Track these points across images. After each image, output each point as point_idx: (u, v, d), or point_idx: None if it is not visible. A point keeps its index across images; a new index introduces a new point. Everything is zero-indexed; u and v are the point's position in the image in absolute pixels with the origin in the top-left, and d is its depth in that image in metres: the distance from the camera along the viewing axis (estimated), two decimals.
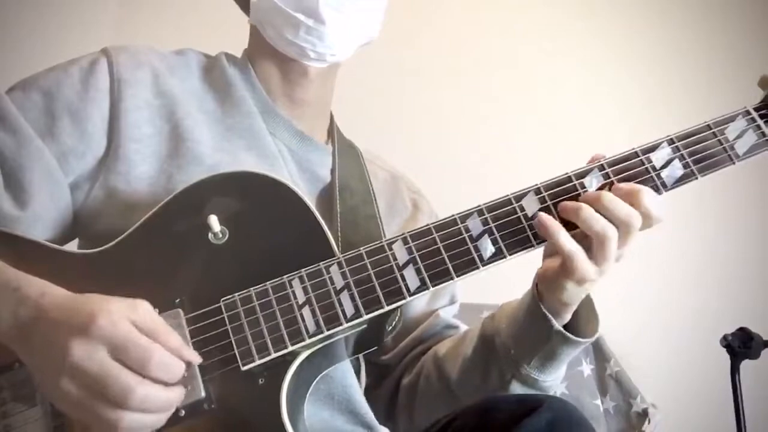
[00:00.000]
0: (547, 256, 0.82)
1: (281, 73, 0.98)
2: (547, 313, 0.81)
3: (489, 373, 0.88)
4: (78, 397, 0.62)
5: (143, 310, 0.66)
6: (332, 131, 1.06)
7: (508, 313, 0.88)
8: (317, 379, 0.79)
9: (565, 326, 0.83)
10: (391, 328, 0.81)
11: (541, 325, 0.82)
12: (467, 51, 2.09)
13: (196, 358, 0.69)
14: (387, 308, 0.74)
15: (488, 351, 0.89)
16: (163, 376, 0.64)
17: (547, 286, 0.81)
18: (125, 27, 2.19)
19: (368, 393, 0.98)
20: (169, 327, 0.68)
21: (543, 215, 0.75)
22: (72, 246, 0.89)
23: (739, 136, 0.78)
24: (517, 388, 0.87)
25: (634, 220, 0.74)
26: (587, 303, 0.84)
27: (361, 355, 0.95)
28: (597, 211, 0.74)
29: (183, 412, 0.69)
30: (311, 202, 0.80)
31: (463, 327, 1.05)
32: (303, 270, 0.75)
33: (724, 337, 1.40)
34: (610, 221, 0.74)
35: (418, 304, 1.02)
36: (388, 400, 1.03)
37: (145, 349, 0.63)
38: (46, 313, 0.65)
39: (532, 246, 0.76)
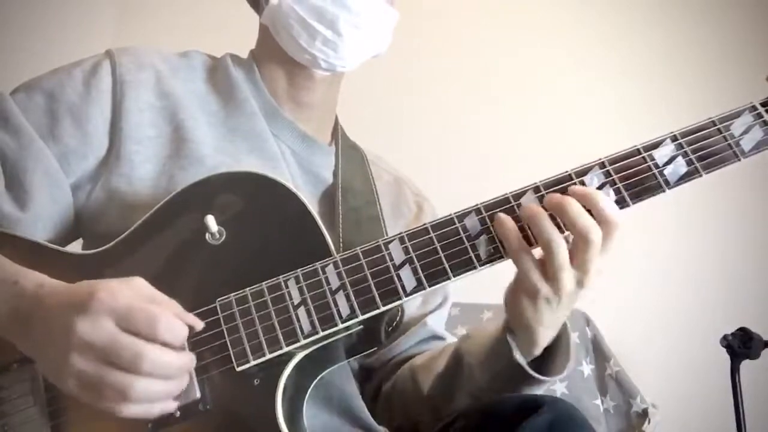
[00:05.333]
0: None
1: (287, 76, 0.98)
2: (512, 342, 0.78)
3: (455, 392, 0.87)
4: (88, 370, 0.62)
5: (139, 283, 0.67)
6: (336, 133, 1.06)
7: (481, 336, 0.86)
8: (316, 380, 0.78)
9: (541, 362, 0.80)
10: (391, 328, 0.81)
11: (504, 355, 0.79)
12: (468, 52, 2.09)
13: (199, 323, 0.70)
14: (383, 308, 0.73)
15: (456, 371, 0.87)
16: (170, 338, 0.64)
17: (508, 309, 0.79)
18: (125, 28, 2.19)
19: None
20: (166, 296, 0.68)
21: (502, 215, 0.73)
22: (76, 246, 0.89)
23: (745, 132, 0.76)
24: None
25: (592, 233, 0.70)
26: (564, 343, 0.82)
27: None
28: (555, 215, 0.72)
29: (178, 412, 0.68)
30: (313, 204, 0.80)
31: (450, 339, 1.04)
32: (299, 270, 0.74)
33: (724, 337, 1.40)
34: (568, 230, 0.72)
35: (410, 306, 1.01)
36: (369, 403, 1.01)
37: (151, 312, 0.64)
38: (43, 301, 0.66)
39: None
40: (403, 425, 0.95)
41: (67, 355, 0.62)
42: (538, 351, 0.79)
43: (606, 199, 0.72)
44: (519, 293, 0.75)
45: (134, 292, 0.65)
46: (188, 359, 0.67)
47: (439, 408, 0.89)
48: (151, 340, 0.63)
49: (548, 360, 0.81)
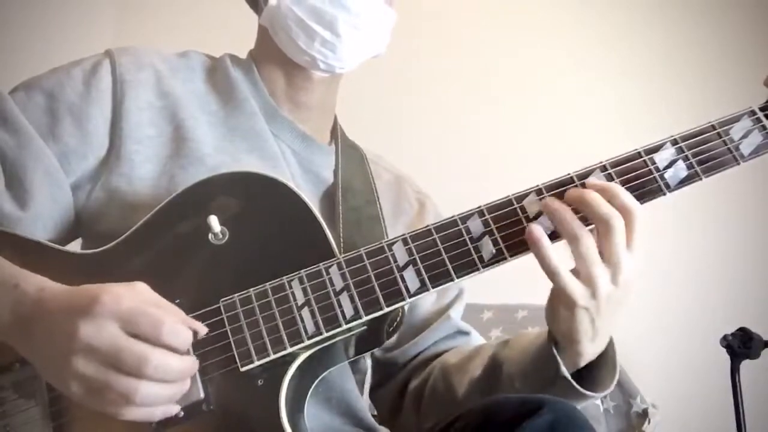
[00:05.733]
0: None
1: (286, 77, 0.98)
2: (557, 356, 0.77)
3: None
4: (91, 374, 0.62)
5: (142, 287, 0.67)
6: (336, 133, 1.06)
7: (522, 344, 0.86)
8: (318, 380, 0.78)
9: (581, 375, 0.80)
10: (392, 329, 0.81)
11: (549, 366, 0.78)
12: (468, 52, 2.10)
13: (202, 328, 0.70)
14: (386, 309, 0.73)
15: (494, 377, 0.87)
16: (175, 342, 0.64)
17: (550, 324, 0.79)
18: (125, 28, 2.19)
19: (373, 392, 0.97)
20: (168, 302, 0.68)
21: (534, 227, 0.73)
22: (75, 246, 0.89)
23: (744, 136, 0.77)
24: None
25: (614, 219, 0.71)
26: (610, 358, 0.81)
27: (367, 356, 0.94)
28: (577, 210, 0.73)
29: (182, 413, 0.68)
30: (314, 203, 0.80)
31: (475, 334, 1.03)
32: (303, 271, 0.74)
33: (724, 337, 1.40)
34: (590, 220, 0.72)
35: (427, 301, 1.01)
36: (392, 401, 1.01)
37: (156, 316, 0.64)
38: (45, 305, 0.66)
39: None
40: (431, 422, 0.94)
41: (70, 358, 0.62)
42: (582, 363, 0.79)
43: (624, 191, 0.73)
44: (558, 306, 0.75)
45: (137, 297, 0.65)
46: (191, 363, 0.67)
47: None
48: (155, 343, 0.63)
49: (594, 373, 0.81)
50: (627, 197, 0.73)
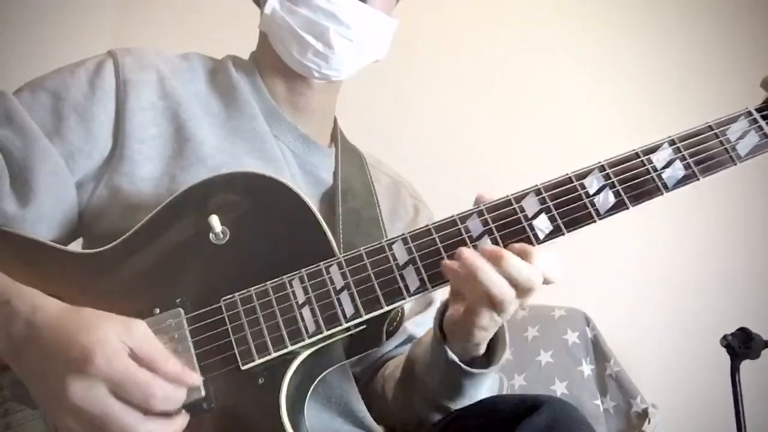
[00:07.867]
0: (452, 295, 0.80)
1: (286, 81, 0.99)
2: (447, 349, 0.79)
3: (413, 398, 0.88)
4: None
5: (138, 333, 0.67)
6: (336, 135, 1.07)
7: (425, 340, 0.86)
8: (318, 379, 0.79)
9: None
10: (392, 328, 0.81)
11: (440, 354, 0.80)
12: (467, 54, 2.10)
13: (197, 380, 0.70)
14: (386, 308, 0.74)
15: (410, 377, 0.88)
16: (165, 408, 0.65)
17: (454, 329, 0.79)
18: (125, 28, 2.20)
19: None
20: (167, 350, 0.69)
21: (447, 263, 0.73)
22: (77, 245, 0.89)
23: (741, 137, 0.77)
24: (436, 416, 0.86)
25: (509, 305, 0.71)
26: (501, 335, 0.82)
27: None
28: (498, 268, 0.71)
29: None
30: (313, 204, 0.80)
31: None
32: (303, 270, 0.75)
33: (724, 337, 1.40)
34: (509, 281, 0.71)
35: None
36: None
37: (146, 385, 0.64)
38: (38, 332, 0.65)
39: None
40: (385, 424, 0.96)
41: (60, 414, 0.63)
42: (482, 350, 0.80)
43: (515, 264, 0.71)
44: (470, 326, 0.75)
45: (133, 345, 0.65)
46: (179, 424, 0.67)
47: (401, 413, 0.91)
48: (144, 412, 0.64)
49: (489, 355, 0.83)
50: (522, 273, 0.71)
